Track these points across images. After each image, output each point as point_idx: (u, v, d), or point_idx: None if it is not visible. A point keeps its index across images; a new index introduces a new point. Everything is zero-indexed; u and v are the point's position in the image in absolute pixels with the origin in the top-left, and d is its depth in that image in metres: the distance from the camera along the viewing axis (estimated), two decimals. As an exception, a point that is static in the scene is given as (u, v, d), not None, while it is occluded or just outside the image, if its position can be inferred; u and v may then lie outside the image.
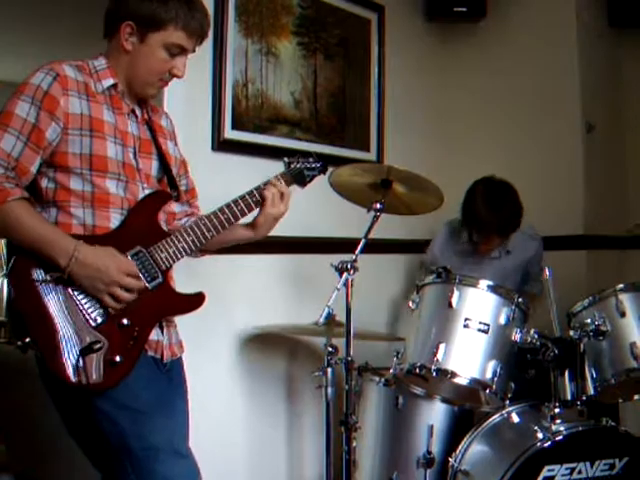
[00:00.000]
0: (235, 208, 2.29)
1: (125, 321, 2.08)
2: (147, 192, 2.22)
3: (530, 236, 3.96)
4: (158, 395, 2.16)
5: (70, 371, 1.99)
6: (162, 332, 2.23)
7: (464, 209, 3.81)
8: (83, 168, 2.09)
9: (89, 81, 2.15)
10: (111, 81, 2.18)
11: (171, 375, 2.27)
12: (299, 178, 2.53)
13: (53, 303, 2.02)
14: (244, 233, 2.46)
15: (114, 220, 2.14)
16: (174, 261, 2.20)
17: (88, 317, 2.04)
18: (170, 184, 2.30)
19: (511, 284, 3.85)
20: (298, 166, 2.53)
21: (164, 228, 2.27)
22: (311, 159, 2.58)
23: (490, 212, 3.67)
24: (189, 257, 2.45)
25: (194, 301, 2.26)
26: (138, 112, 2.27)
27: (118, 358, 2.04)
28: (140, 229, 2.16)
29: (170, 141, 2.42)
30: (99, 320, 2.05)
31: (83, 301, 2.05)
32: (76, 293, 2.04)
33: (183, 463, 2.17)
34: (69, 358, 1.99)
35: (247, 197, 2.33)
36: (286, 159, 2.54)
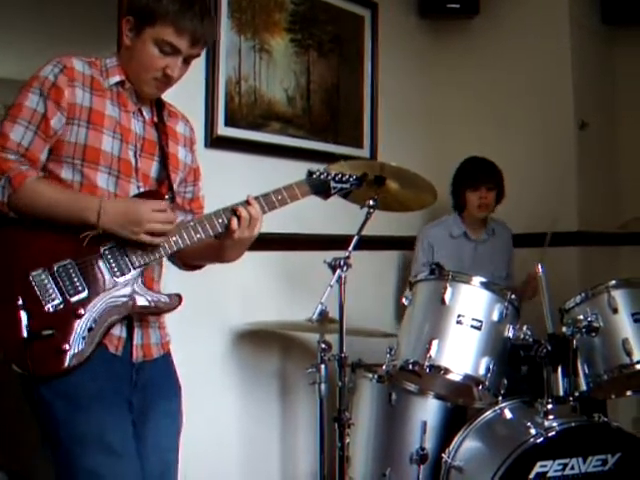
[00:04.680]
0: (216, 221, 2.21)
1: (82, 311, 2.04)
2: (141, 191, 2.20)
3: (498, 222, 4.24)
4: (103, 390, 2.10)
5: (16, 356, 1.96)
6: (131, 330, 2.19)
7: (453, 184, 4.16)
8: (75, 158, 2.10)
9: (98, 76, 2.16)
10: (117, 78, 2.19)
11: (141, 377, 2.22)
12: (321, 189, 2.41)
13: (9, 285, 2.00)
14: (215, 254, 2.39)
15: None
16: (150, 260, 2.15)
17: (44, 303, 2.01)
18: (168, 186, 2.27)
19: (502, 270, 4.08)
20: (322, 177, 2.40)
21: None
22: (346, 172, 2.47)
23: (476, 161, 4.11)
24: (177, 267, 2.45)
25: (168, 303, 2.20)
26: (146, 113, 2.26)
27: (67, 346, 2.00)
28: None
29: (183, 147, 2.39)
30: (55, 307, 2.02)
31: (42, 287, 2.02)
32: (35, 278, 2.02)
33: (115, 462, 2.08)
34: (17, 342, 1.96)
35: (222, 214, 2.22)
36: (310, 169, 2.40)
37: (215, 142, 3.51)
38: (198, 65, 3.45)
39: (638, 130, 4.77)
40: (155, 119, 2.29)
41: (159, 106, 2.32)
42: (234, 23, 3.61)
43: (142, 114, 2.25)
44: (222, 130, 3.54)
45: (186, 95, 3.32)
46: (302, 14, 3.96)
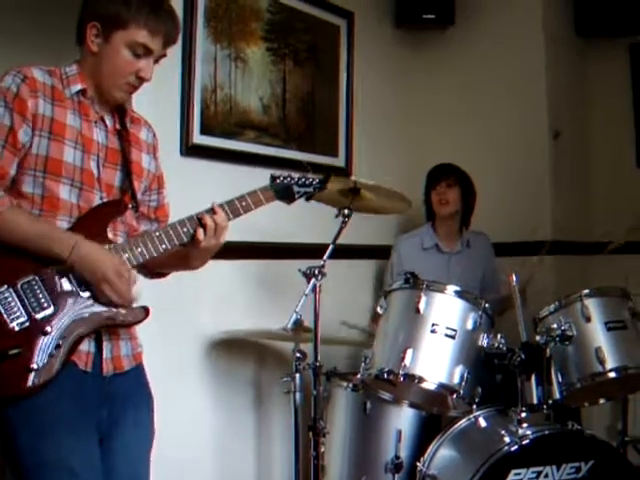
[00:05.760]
0: (181, 230, 2.18)
1: (49, 328, 2.00)
2: (105, 201, 2.17)
3: (476, 233, 4.22)
4: (69, 412, 2.05)
5: None
6: (100, 344, 2.15)
7: (424, 193, 4.20)
8: (37, 170, 2.05)
9: (58, 85, 2.12)
10: (79, 86, 2.14)
11: (112, 389, 2.18)
12: (285, 194, 2.37)
13: None
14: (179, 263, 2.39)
15: (61, 226, 2.09)
16: None
17: (9, 321, 1.97)
18: (131, 195, 2.23)
19: (476, 282, 4.05)
20: (285, 182, 2.37)
21: (113, 238, 2.17)
22: (309, 175, 2.44)
23: (438, 164, 4.19)
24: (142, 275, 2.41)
25: (135, 315, 2.17)
26: (108, 121, 2.22)
27: (35, 366, 1.96)
28: (84, 237, 2.09)
29: (147, 154, 2.35)
30: (21, 325, 1.98)
31: (7, 305, 1.98)
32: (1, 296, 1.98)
33: None
34: None
35: (187, 223, 2.20)
36: (273, 173, 2.38)
37: (190, 150, 3.50)
38: (173, 73, 3.45)
39: (610, 140, 4.83)
40: (117, 126, 2.25)
41: (121, 112, 2.27)
42: (210, 32, 3.60)
43: (104, 122, 2.21)
44: (197, 138, 3.53)
45: (161, 103, 3.34)
46: (278, 23, 3.96)
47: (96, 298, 2.08)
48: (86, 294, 2.08)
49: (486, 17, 4.65)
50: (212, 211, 2.21)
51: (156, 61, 2.20)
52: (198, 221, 2.19)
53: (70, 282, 2.06)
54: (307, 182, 2.43)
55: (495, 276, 4.13)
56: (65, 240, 2.03)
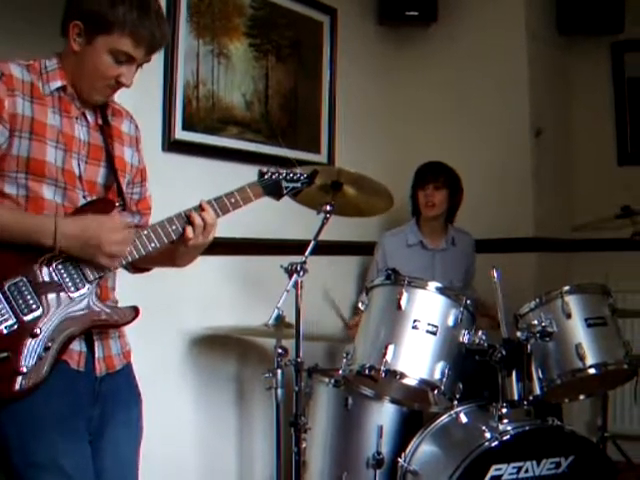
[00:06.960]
0: (170, 229, 2.15)
1: (38, 330, 1.97)
2: (89, 200, 2.13)
3: (462, 232, 4.22)
4: (58, 413, 2.03)
5: None
6: (92, 344, 2.13)
7: (411, 189, 4.19)
8: (19, 172, 2.01)
9: (37, 82, 2.06)
10: (59, 83, 2.09)
11: (103, 389, 2.16)
12: (273, 190, 2.35)
13: None
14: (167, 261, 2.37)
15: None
16: (104, 272, 2.09)
17: None
18: (117, 192, 2.20)
19: (459, 280, 4.07)
20: (274, 178, 2.33)
21: None
22: (296, 170, 2.42)
23: (428, 163, 4.16)
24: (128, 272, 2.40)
25: (125, 315, 2.15)
26: (90, 117, 2.17)
27: (24, 369, 1.94)
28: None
29: (129, 147, 2.30)
30: (9, 328, 1.95)
31: None
32: None
33: None
34: None
35: (175, 221, 2.16)
36: (261, 169, 2.34)
37: (172, 146, 3.49)
38: (156, 69, 3.43)
39: (592, 138, 4.86)
40: (99, 121, 2.20)
41: (102, 106, 2.21)
42: (193, 27, 3.59)
43: (86, 118, 2.16)
44: (179, 134, 3.53)
45: (144, 99, 3.32)
46: (261, 19, 3.96)
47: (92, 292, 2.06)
48: (77, 293, 2.04)
49: (469, 14, 4.67)
50: (200, 208, 2.17)
51: (139, 66, 2.15)
52: (187, 219, 2.16)
53: (59, 282, 2.03)
54: (295, 177, 2.40)
55: (471, 278, 4.18)
56: (46, 227, 1.98)
